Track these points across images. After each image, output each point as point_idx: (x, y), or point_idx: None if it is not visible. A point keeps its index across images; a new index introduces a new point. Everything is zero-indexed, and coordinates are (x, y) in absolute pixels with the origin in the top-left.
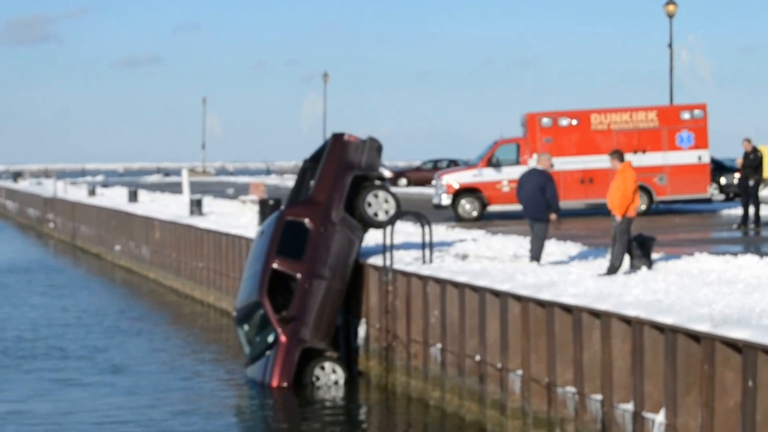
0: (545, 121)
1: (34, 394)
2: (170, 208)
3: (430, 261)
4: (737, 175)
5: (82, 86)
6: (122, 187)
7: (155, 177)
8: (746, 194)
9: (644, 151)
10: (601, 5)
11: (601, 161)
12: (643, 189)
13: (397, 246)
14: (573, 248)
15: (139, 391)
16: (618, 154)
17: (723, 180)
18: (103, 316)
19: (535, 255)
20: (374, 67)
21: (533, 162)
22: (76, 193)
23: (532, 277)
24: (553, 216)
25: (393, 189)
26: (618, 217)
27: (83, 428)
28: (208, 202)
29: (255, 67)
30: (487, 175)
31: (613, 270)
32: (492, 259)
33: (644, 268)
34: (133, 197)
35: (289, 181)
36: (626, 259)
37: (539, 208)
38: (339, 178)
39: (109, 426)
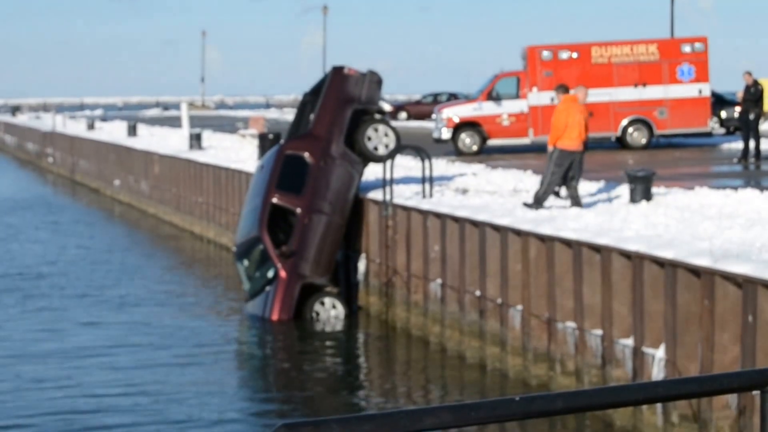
0: (545, 54)
1: (38, 334)
2: (169, 142)
3: (430, 195)
4: (737, 109)
5: (80, 19)
6: (121, 121)
7: (154, 111)
8: (747, 128)
9: (645, 85)
10: None
11: (601, 95)
12: (644, 122)
13: (397, 180)
14: None
15: (138, 328)
16: (561, 88)
17: (723, 114)
18: (102, 253)
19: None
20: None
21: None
22: (74, 127)
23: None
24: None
25: (393, 123)
26: (549, 147)
27: (83, 366)
28: (208, 137)
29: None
30: (487, 108)
31: (537, 201)
32: (492, 194)
33: (643, 202)
34: (132, 131)
35: (289, 115)
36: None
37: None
38: (339, 112)
39: (107, 363)
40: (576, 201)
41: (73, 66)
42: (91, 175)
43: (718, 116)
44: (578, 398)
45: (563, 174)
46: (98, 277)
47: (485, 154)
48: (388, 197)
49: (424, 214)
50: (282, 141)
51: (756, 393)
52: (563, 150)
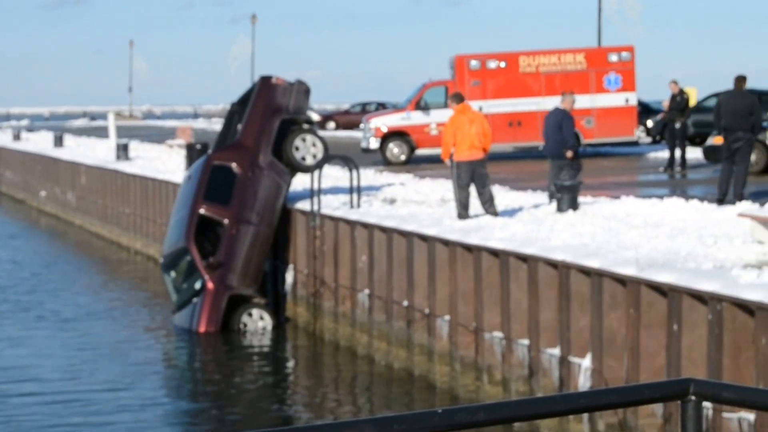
0: (473, 63)
1: None
2: (96, 152)
3: (358, 205)
4: (659, 117)
5: (6, 28)
6: (48, 132)
7: (81, 121)
8: (672, 137)
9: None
10: None
11: (529, 104)
12: None
13: (325, 190)
14: (498, 192)
15: (65, 340)
16: (454, 98)
17: (650, 123)
18: (28, 265)
19: (572, 176)
20: (303, 9)
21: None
22: (0, 137)
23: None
24: (569, 153)
25: (321, 132)
26: (447, 162)
27: (3, 381)
28: (135, 147)
29: (182, 9)
30: (416, 118)
31: (459, 216)
32: (420, 204)
33: (570, 212)
34: (58, 142)
35: (217, 125)
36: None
37: (558, 145)
38: (266, 122)
39: (33, 376)
40: (490, 210)
41: None
42: (16, 186)
43: (645, 125)
44: (500, 410)
45: (467, 185)
46: (23, 290)
47: (413, 163)
48: (315, 207)
49: (352, 224)
50: (209, 151)
51: (678, 403)
52: (458, 162)
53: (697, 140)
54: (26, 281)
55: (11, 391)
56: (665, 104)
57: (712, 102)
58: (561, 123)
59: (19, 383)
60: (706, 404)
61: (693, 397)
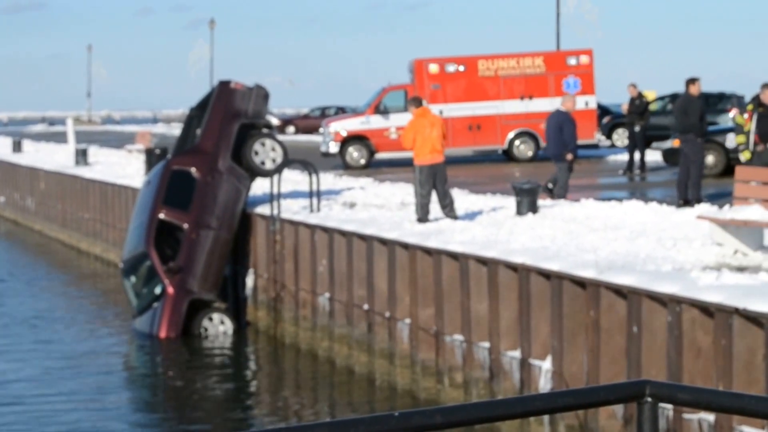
0: (432, 67)
1: None
2: (55, 158)
3: (318, 210)
4: (605, 120)
5: None
6: (6, 137)
7: (40, 126)
8: (632, 140)
9: (531, 97)
10: None
11: (488, 108)
12: (530, 135)
13: (285, 195)
14: (458, 195)
15: (22, 346)
16: (413, 102)
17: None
18: None
19: (561, 192)
20: (261, 14)
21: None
22: None
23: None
24: (569, 155)
25: (280, 137)
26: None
27: None
28: (94, 152)
29: (140, 14)
30: (375, 122)
31: (419, 219)
32: (380, 207)
33: (530, 215)
34: (17, 147)
35: (176, 130)
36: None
37: (559, 147)
38: (226, 127)
39: None
40: (450, 214)
41: None
42: None
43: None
44: (456, 413)
45: (429, 189)
46: None
47: (373, 167)
48: (275, 212)
49: (312, 228)
50: (169, 156)
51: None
52: (419, 166)
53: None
54: None
55: None
56: (624, 107)
57: (659, 105)
58: (562, 125)
59: None
60: (667, 406)
61: (649, 399)
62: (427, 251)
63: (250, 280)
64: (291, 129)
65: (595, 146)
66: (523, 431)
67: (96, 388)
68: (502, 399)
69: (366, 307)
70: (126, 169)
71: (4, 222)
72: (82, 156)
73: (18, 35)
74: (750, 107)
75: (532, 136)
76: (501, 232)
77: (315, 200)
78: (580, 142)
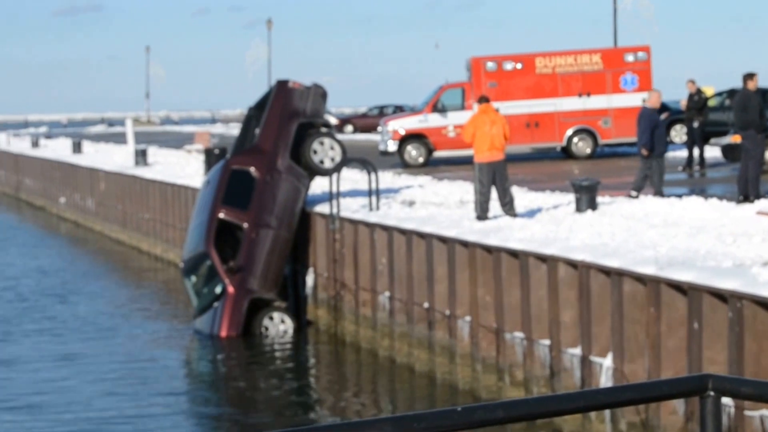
0: (490, 65)
1: None
2: (115, 158)
3: (377, 208)
4: (663, 117)
5: (23, 35)
6: (66, 138)
7: (99, 127)
8: (691, 136)
9: (588, 95)
10: None
11: (546, 105)
12: (588, 132)
13: (344, 193)
14: (517, 192)
15: (87, 346)
16: (480, 100)
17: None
18: (49, 272)
19: (658, 188)
20: (318, 13)
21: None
22: (19, 145)
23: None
24: (643, 151)
25: (339, 136)
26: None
27: (33, 387)
28: (153, 152)
29: (197, 14)
30: (433, 120)
31: (478, 217)
32: (439, 205)
33: (589, 212)
34: (77, 148)
35: (234, 130)
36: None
37: (655, 143)
38: (284, 126)
39: (53, 382)
40: (510, 212)
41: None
42: (36, 193)
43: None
44: (518, 407)
45: (488, 187)
46: (44, 297)
47: (431, 165)
48: (334, 211)
49: (371, 227)
50: (228, 156)
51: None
52: (478, 163)
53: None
54: (47, 287)
55: (36, 393)
56: (683, 104)
57: (718, 101)
58: (657, 122)
59: (43, 386)
60: (728, 402)
61: (712, 393)
62: (487, 249)
63: (310, 279)
64: (349, 128)
65: None
66: (584, 428)
67: (158, 388)
68: (565, 393)
69: (426, 305)
70: (185, 169)
71: (65, 223)
72: (141, 156)
73: (76, 37)
74: None
75: (591, 133)
76: (560, 229)
77: (374, 199)
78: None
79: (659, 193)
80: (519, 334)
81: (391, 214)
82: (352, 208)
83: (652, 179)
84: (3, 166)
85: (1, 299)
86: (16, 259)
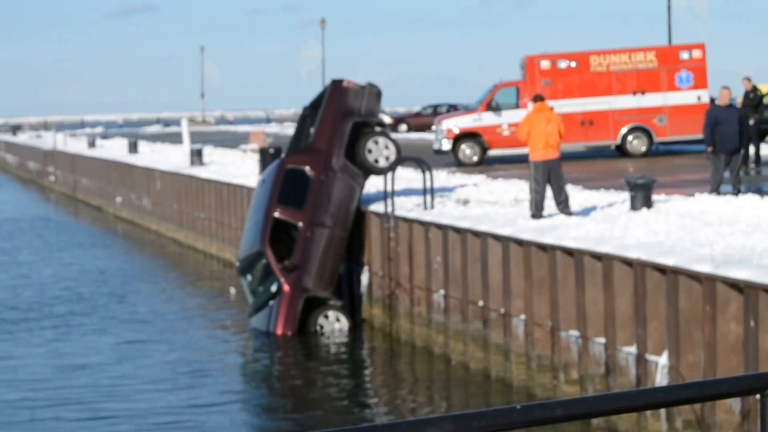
0: (544, 63)
1: (55, 354)
2: (171, 158)
3: (432, 207)
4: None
5: (77, 36)
6: (122, 139)
7: (155, 127)
8: (747, 134)
9: (643, 92)
10: None
11: (601, 103)
12: (643, 130)
13: (398, 192)
14: (572, 191)
15: (144, 344)
16: (535, 98)
17: None
18: (107, 270)
19: (736, 186)
20: (372, 13)
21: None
22: (75, 145)
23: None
24: (709, 148)
25: (393, 135)
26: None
27: (94, 385)
28: (209, 152)
29: (251, 14)
30: (487, 119)
31: (533, 215)
32: (493, 204)
33: (644, 210)
34: (133, 148)
35: (289, 129)
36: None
37: (737, 140)
38: (339, 125)
39: (116, 383)
40: (564, 210)
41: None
42: (93, 193)
43: None
44: (578, 405)
45: (543, 185)
46: (102, 295)
47: (486, 164)
48: (389, 209)
49: (426, 225)
50: (283, 155)
51: (757, 397)
52: (533, 162)
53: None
54: (105, 286)
55: (95, 390)
56: (738, 101)
57: None
58: (742, 120)
59: (102, 383)
60: None
61: None
62: (542, 247)
63: (365, 278)
64: (403, 127)
65: None
66: (640, 426)
67: (214, 386)
68: (624, 391)
69: (481, 303)
70: (240, 168)
71: (121, 222)
72: (197, 156)
73: (130, 38)
74: None
75: (645, 131)
76: (615, 227)
77: (428, 197)
78: (694, 137)
79: (715, 190)
80: (574, 333)
81: (445, 212)
82: (406, 207)
83: (733, 175)
84: (60, 167)
85: (61, 299)
86: (75, 259)
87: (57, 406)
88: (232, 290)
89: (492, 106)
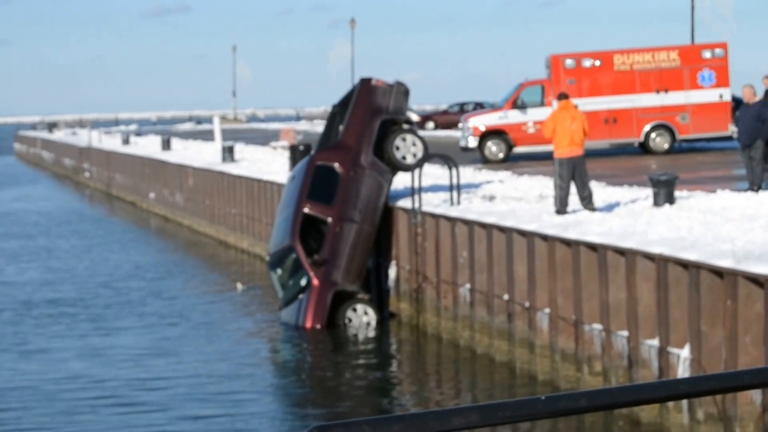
0: (569, 62)
1: (90, 347)
2: (203, 155)
3: (458, 203)
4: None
5: (112, 36)
6: (155, 136)
7: (188, 125)
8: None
9: (666, 91)
10: None
11: (624, 101)
12: (666, 128)
13: (425, 188)
14: (596, 187)
15: (176, 337)
16: (559, 96)
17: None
18: (140, 264)
19: (756, 182)
20: (400, 12)
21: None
22: (110, 142)
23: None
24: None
25: (420, 132)
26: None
27: (130, 377)
28: (240, 149)
29: (282, 14)
30: (513, 116)
31: (558, 211)
32: (519, 200)
33: (666, 206)
34: (166, 145)
35: (319, 127)
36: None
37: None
38: (367, 123)
39: (149, 375)
40: (588, 206)
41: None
42: (126, 189)
43: None
44: (602, 396)
45: (567, 181)
46: (138, 290)
47: (511, 161)
48: (416, 205)
49: (453, 221)
50: (312, 152)
51: None
52: (558, 159)
53: None
54: (139, 279)
55: (130, 378)
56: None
57: None
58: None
59: (136, 372)
60: None
61: None
62: (566, 242)
63: (392, 272)
64: (430, 124)
65: (730, 138)
66: (662, 417)
67: (245, 378)
68: (647, 383)
69: (506, 297)
70: (271, 165)
71: (155, 218)
72: (228, 153)
73: (164, 37)
74: None
75: (668, 129)
76: (638, 223)
77: (455, 194)
78: (715, 134)
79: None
80: (597, 326)
81: (471, 208)
82: (433, 203)
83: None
84: (95, 163)
85: (98, 295)
86: (111, 254)
87: (94, 399)
88: (239, 285)
89: (517, 104)
